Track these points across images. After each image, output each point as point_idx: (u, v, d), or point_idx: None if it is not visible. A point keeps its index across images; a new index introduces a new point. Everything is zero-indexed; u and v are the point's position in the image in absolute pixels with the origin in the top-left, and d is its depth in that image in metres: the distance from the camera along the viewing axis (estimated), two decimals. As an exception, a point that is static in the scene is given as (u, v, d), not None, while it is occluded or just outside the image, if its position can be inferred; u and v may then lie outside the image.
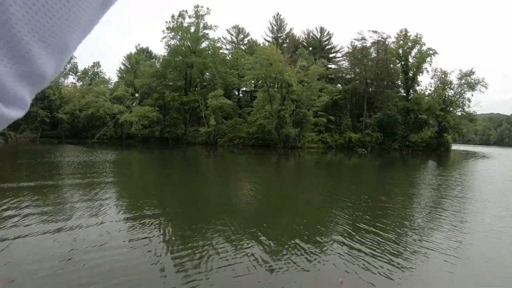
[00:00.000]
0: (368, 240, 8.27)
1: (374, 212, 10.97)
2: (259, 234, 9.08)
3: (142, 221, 10.70)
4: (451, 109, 46.16)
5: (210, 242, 8.52)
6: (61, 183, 20.66)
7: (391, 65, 49.90)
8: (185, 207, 13.11)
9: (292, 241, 8.38)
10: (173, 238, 9.01)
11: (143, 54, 64.96)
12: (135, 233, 9.52)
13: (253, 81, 53.02)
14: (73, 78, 70.47)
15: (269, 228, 9.71)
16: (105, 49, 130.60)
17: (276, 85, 45.74)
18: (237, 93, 57.74)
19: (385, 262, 6.93)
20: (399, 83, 51.23)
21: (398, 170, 25.49)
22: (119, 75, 67.50)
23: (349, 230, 9.02)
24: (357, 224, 9.66)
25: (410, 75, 49.08)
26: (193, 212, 12.23)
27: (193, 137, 47.29)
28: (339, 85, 54.17)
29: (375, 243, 8.13)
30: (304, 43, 63.84)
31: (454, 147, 42.19)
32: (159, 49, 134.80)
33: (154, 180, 21.86)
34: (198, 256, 7.44)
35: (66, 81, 68.42)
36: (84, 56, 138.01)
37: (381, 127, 44.40)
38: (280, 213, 11.82)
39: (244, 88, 58.44)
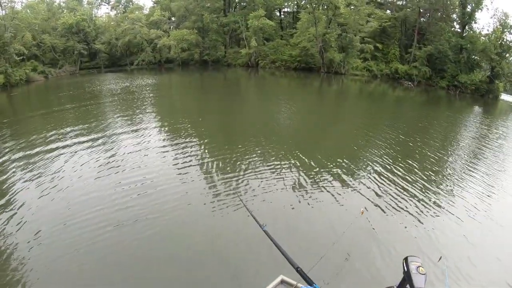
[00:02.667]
0: (395, 179, 8.50)
1: (408, 152, 10.91)
2: (293, 160, 9.79)
3: (185, 144, 11.91)
4: (507, 55, 42.19)
5: (249, 165, 9.49)
6: (102, 109, 21.36)
7: (448, -5, 45.57)
8: (225, 130, 14.32)
9: (324, 170, 8.99)
10: (216, 161, 9.90)
11: (178, -25, 62.68)
12: (178, 156, 10.80)
13: (296, 2, 50.12)
14: (106, 8, 70.35)
15: (303, 155, 10.10)
16: None
17: (321, 7, 43.09)
18: (278, 14, 55.83)
19: (407, 202, 7.18)
20: (455, 17, 47.01)
21: (442, 111, 25.02)
22: (153, 0, 66.24)
23: (379, 167, 9.28)
24: (388, 162, 9.76)
25: (468, 10, 44.75)
26: (232, 135, 13.37)
27: (233, 59, 47.64)
28: (388, 11, 50.57)
29: (401, 183, 8.32)
30: (352, -40, 59.26)
31: (503, 96, 39.29)
32: None
33: (195, 103, 22.81)
34: (235, 181, 8.36)
35: (99, 12, 68.34)
36: None
37: (430, 62, 41.98)
38: (316, 142, 12.32)
39: (286, 9, 56.32)
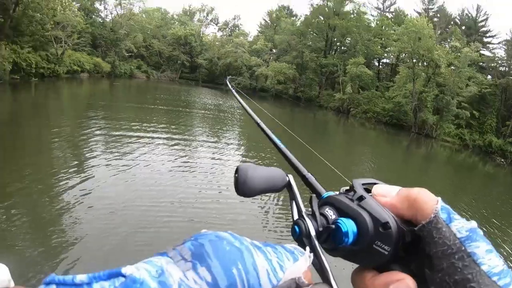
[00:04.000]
0: None
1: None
2: None
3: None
4: None
5: None
6: (192, 117, 24.69)
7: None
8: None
9: None
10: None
11: (284, 11, 66.60)
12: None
13: (396, 54, 50.85)
14: (214, 28, 76.44)
15: None
16: (245, 3, 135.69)
17: (421, 63, 43.29)
18: (377, 63, 57.19)
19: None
20: None
21: None
22: (258, 29, 71.87)
23: None
24: None
25: None
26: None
27: (325, 101, 49.62)
28: (489, 76, 49.10)
29: None
30: (457, 20, 58.60)
31: None
32: (300, 8, 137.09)
33: (279, 133, 23.23)
34: None
35: (207, 30, 74.73)
36: (225, 8, 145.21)
37: None
38: None
39: (386, 60, 57.70)
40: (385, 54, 54.95)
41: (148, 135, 14.87)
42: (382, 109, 44.34)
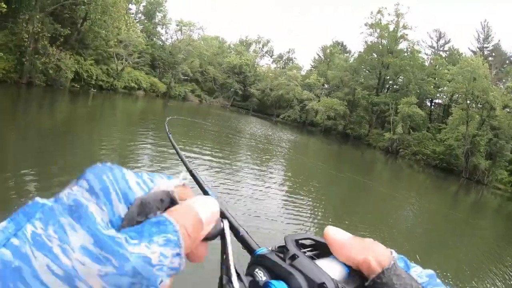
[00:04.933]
0: None
1: None
2: None
3: (294, 208, 12.00)
4: None
5: None
6: (239, 143, 26.44)
7: None
8: (343, 208, 14.43)
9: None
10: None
11: (338, 47, 68.39)
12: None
13: (449, 94, 51.09)
14: (268, 60, 79.74)
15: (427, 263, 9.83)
16: (301, 38, 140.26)
17: (475, 105, 42.94)
18: (429, 104, 57.23)
19: None
20: None
21: None
22: (312, 64, 74.26)
23: None
24: None
25: None
26: (349, 216, 13.32)
27: (374, 140, 50.01)
28: (546, 120, 47.30)
29: None
30: (512, 59, 57.18)
31: None
32: (354, 45, 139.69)
33: (324, 171, 24.12)
34: None
35: (261, 62, 79.26)
36: (280, 41, 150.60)
37: None
38: (432, 251, 11.83)
39: (438, 101, 57.53)
40: (438, 94, 55.03)
41: (192, 155, 15.34)
42: (432, 151, 44.19)
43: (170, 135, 2.46)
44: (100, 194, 0.36)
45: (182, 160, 1.86)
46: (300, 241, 0.50)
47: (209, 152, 17.11)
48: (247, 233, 0.59)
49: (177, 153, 1.99)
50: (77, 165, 10.09)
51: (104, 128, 18.20)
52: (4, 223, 0.32)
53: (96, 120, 20.68)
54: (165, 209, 0.41)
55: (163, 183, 0.43)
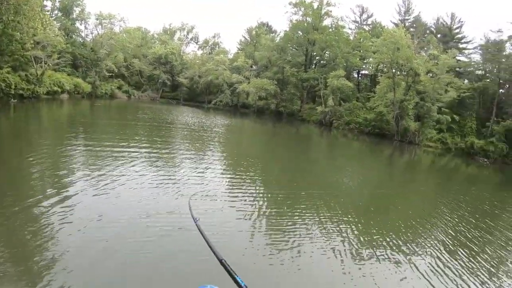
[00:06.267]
0: (462, 268, 8.08)
1: (469, 238, 10.15)
2: (348, 228, 9.58)
3: (242, 188, 12.46)
4: None
5: (301, 224, 9.54)
6: (173, 134, 25.12)
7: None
8: (285, 180, 14.71)
9: (372, 246, 8.61)
10: (266, 208, 10.29)
11: (264, 27, 67.67)
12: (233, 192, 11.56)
13: (377, 65, 51.55)
14: (194, 47, 77.15)
15: (359, 224, 9.97)
16: (225, 22, 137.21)
17: (401, 72, 43.92)
18: (356, 75, 58.17)
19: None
20: (537, 88, 45.38)
21: None
22: (238, 46, 72.57)
23: (442, 252, 8.76)
24: (447, 248, 9.18)
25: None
26: (291, 186, 13.56)
27: (308, 115, 50.17)
28: (466, 81, 50.07)
29: (468, 270, 7.96)
30: (432, 29, 60.12)
31: None
32: (279, 25, 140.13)
33: (261, 150, 24.62)
34: (286, 236, 8.39)
35: (187, 49, 75.51)
36: (205, 27, 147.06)
37: (507, 138, 40.10)
38: (377, 211, 11.97)
39: (365, 71, 58.55)
40: (364, 66, 55.99)
41: (128, 154, 14.95)
42: (364, 119, 44.85)
43: (197, 222, 3.60)
44: None
45: (212, 250, 2.88)
46: None
47: (145, 146, 17.41)
48: None
49: (208, 243, 2.95)
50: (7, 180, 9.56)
51: (31, 139, 17.00)
52: None
53: (20, 134, 18.59)
54: None
55: None
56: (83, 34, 57.71)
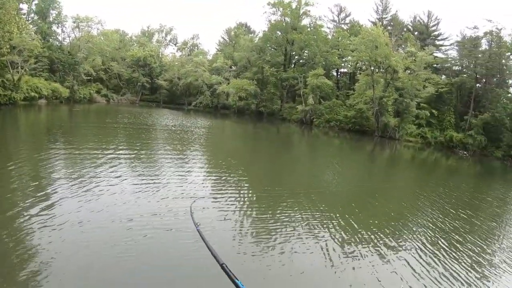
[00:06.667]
0: (444, 259, 8.06)
1: (452, 229, 10.24)
2: (335, 224, 9.57)
3: (224, 183, 12.80)
4: None
5: (287, 220, 9.55)
6: (153, 136, 24.68)
7: (503, 61, 45.05)
8: (268, 181, 14.58)
9: (359, 239, 8.65)
10: (251, 208, 10.15)
11: (242, 28, 67.65)
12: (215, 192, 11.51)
13: (356, 63, 51.94)
14: (173, 49, 76.31)
15: (342, 220, 9.94)
16: (204, 23, 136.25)
17: (379, 70, 44.17)
18: (335, 74, 58.41)
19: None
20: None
21: (498, 185, 22.44)
22: (217, 47, 72.56)
23: (424, 243, 8.82)
24: (438, 239, 9.27)
25: (526, 74, 44.09)
26: (274, 186, 13.41)
27: (288, 114, 50.08)
28: (444, 76, 50.85)
29: (449, 261, 7.95)
30: (410, 27, 61.05)
31: None
32: (257, 25, 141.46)
33: (243, 150, 24.50)
34: (272, 237, 8.28)
35: (166, 51, 74.52)
36: (183, 28, 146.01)
37: (485, 130, 40.84)
38: (360, 207, 11.96)
39: (344, 70, 58.86)
40: (343, 64, 56.26)
41: (108, 153, 15.08)
42: (344, 116, 44.95)
43: (199, 228, 4.03)
44: None
45: (213, 255, 3.15)
46: None
47: (126, 149, 17.38)
48: None
49: (209, 248, 3.22)
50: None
51: (8, 147, 16.24)
52: None
53: None
54: None
55: None
56: (60, 38, 56.30)
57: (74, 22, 54.56)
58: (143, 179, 11.65)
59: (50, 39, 52.17)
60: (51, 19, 52.85)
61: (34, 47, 36.01)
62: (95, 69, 54.27)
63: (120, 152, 16.27)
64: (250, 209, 9.86)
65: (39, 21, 50.17)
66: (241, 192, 11.73)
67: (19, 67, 34.73)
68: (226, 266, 3.19)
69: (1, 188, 9.68)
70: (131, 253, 6.48)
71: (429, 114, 43.01)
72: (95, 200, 9.06)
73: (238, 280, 3.01)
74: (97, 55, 55.48)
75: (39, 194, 9.14)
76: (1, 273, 5.65)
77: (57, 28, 55.24)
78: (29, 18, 48.41)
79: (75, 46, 52.99)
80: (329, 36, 57.36)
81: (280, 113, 51.20)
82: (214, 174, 14.32)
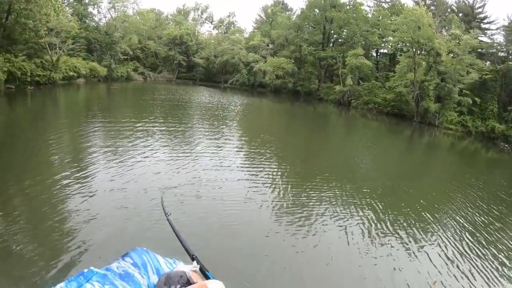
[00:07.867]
0: (470, 255, 7.88)
1: (484, 229, 9.77)
2: (366, 210, 9.55)
3: (258, 163, 13.07)
4: None
5: (316, 203, 9.65)
6: (190, 114, 25.24)
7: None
8: (303, 162, 14.82)
9: (395, 229, 8.55)
10: (285, 191, 10.36)
11: (279, 5, 66.62)
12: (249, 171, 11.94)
13: (394, 44, 51.03)
14: (209, 27, 76.14)
15: (374, 207, 9.89)
16: (239, 0, 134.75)
17: (421, 52, 42.82)
18: (375, 54, 56.84)
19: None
20: (559, 73, 43.79)
21: None
22: (254, 25, 71.55)
23: (455, 238, 8.62)
24: (463, 234, 9.06)
25: None
26: (309, 168, 13.70)
27: (326, 94, 49.26)
28: (488, 62, 48.67)
29: (475, 257, 7.76)
30: (454, 7, 58.32)
31: None
32: (295, 2, 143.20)
33: (280, 129, 24.44)
34: (303, 221, 8.43)
35: (202, 29, 75.79)
36: (220, 6, 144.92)
37: None
38: (392, 193, 11.89)
39: (384, 50, 57.16)
40: (383, 45, 54.66)
41: (147, 135, 15.39)
42: (383, 99, 44.03)
43: (169, 217, 3.64)
44: (141, 267, 0.87)
45: (184, 246, 2.88)
46: None
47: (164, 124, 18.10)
48: None
49: (179, 239, 2.96)
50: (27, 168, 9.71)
51: (49, 126, 16.77)
52: (62, 284, 0.93)
53: (39, 122, 18.54)
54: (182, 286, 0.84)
55: (182, 266, 1.11)
56: (96, 19, 57.14)
57: (109, 3, 55.01)
58: (173, 153, 12.47)
59: (87, 20, 53.41)
60: (86, 1, 53.84)
61: (71, 28, 37.19)
62: (131, 48, 55.18)
63: (160, 126, 17.31)
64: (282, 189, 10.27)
65: (75, 3, 51.24)
66: (273, 170, 12.19)
67: (57, 48, 35.70)
68: (197, 257, 2.97)
69: (42, 157, 10.68)
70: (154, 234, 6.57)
71: (471, 102, 41.30)
72: (127, 171, 9.84)
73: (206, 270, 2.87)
74: (133, 34, 56.23)
75: (76, 164, 10.10)
76: (41, 231, 6.21)
77: (93, 9, 56.10)
78: (65, 1, 49.32)
79: (112, 26, 53.47)
80: (369, 15, 55.42)
81: (317, 93, 50.49)
82: (247, 150, 15.01)
